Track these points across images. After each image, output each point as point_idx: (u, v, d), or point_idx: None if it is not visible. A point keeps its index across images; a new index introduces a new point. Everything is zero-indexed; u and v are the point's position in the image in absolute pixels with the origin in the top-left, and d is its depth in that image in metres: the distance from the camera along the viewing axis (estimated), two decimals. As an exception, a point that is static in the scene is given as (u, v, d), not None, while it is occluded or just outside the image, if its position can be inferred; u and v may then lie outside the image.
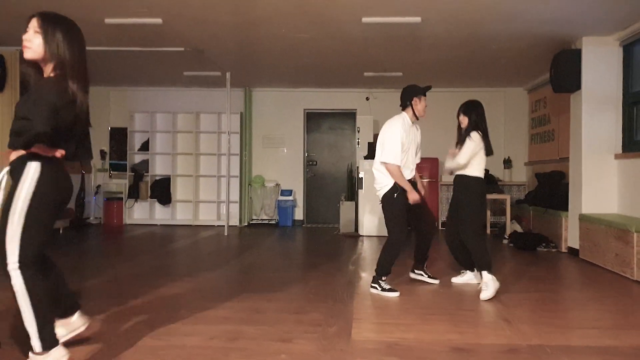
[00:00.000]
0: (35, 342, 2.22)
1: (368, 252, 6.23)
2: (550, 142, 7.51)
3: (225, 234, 7.72)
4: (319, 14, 5.03)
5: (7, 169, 2.31)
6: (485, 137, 4.20)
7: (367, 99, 9.01)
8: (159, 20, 5.25)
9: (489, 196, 7.23)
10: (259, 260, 5.58)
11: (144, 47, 6.27)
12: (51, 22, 2.32)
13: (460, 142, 4.22)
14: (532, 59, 6.72)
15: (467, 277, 4.42)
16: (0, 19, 5.29)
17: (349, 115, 9.25)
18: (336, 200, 9.11)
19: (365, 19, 5.11)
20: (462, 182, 4.21)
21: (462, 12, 4.92)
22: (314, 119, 9.34)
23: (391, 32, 5.52)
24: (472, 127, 4.19)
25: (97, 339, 2.83)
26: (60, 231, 7.69)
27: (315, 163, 9.37)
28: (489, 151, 4.19)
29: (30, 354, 2.25)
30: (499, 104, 8.79)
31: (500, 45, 6.02)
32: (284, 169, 9.25)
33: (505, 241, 6.99)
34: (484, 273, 3.94)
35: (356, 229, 7.91)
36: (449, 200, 4.88)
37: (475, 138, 4.13)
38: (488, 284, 3.89)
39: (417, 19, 5.08)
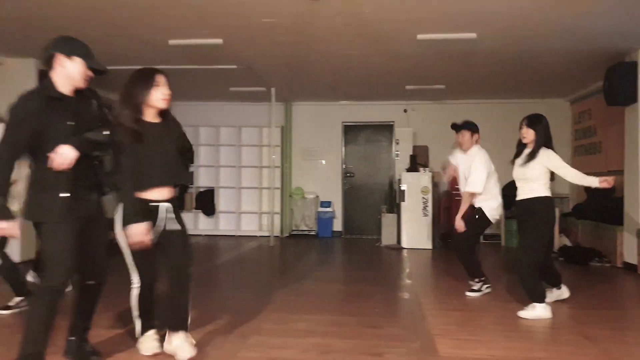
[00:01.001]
0: None
1: (417, 266, 6.28)
2: (597, 154, 7.48)
3: (271, 244, 7.84)
4: (376, 32, 5.14)
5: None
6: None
7: (405, 111, 9.08)
8: (219, 41, 5.42)
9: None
10: (315, 272, 5.66)
11: (199, 65, 6.45)
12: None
13: (528, 156, 3.94)
14: (580, 71, 6.74)
15: (555, 295, 4.18)
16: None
17: (386, 128, 9.33)
18: (373, 211, 9.18)
19: (420, 36, 5.21)
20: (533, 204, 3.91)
21: (518, 28, 4.99)
22: (351, 132, 9.45)
23: (443, 47, 5.61)
24: (544, 142, 3.93)
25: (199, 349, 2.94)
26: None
27: (352, 175, 9.46)
28: None
29: None
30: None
31: (551, 58, 6.07)
32: (322, 181, 9.36)
33: (553, 255, 6.96)
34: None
35: (398, 241, 7.95)
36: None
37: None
38: (537, 309, 3.76)
39: (473, 35, 5.16)
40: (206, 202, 9.23)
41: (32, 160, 2.49)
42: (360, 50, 5.74)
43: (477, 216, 4.42)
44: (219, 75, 7.03)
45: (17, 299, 3.85)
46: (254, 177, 9.31)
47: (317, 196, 9.26)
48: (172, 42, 5.47)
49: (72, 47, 2.53)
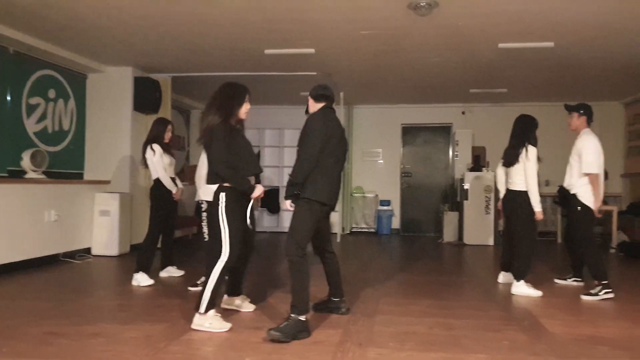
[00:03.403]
0: None
1: (488, 259, 6.67)
2: (655, 155, 7.75)
3: (338, 240, 8.32)
4: (462, 42, 5.56)
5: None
6: None
7: (463, 113, 9.46)
8: (312, 50, 5.91)
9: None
10: (396, 265, 6.11)
11: (283, 72, 6.95)
12: None
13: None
14: (639, 76, 7.01)
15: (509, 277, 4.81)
16: (156, 52, 6.16)
17: (444, 129, 9.72)
18: (430, 210, 9.60)
19: (501, 45, 5.60)
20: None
21: (595, 38, 5.35)
22: (409, 133, 9.86)
23: (520, 55, 5.99)
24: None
25: (337, 325, 3.40)
26: (190, 237, 8.48)
27: (410, 175, 9.87)
28: None
29: None
30: (594, 117, 9.03)
31: (616, 63, 6.38)
32: (381, 180, 9.80)
33: (612, 251, 7.27)
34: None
35: (459, 238, 8.33)
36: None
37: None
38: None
39: (550, 44, 5.53)
40: (271, 201, 9.76)
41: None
42: (441, 58, 6.16)
43: (579, 207, 4.45)
44: (295, 81, 7.52)
45: (204, 278, 4.41)
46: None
47: (377, 195, 9.70)
48: (267, 51, 5.97)
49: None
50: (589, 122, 4.64)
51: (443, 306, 4.06)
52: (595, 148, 4.41)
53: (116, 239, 6.52)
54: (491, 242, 7.96)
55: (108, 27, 5.23)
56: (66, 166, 6.62)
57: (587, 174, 4.38)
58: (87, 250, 6.52)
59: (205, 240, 4.47)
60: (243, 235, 3.43)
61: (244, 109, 3.47)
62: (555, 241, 8.49)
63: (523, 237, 4.54)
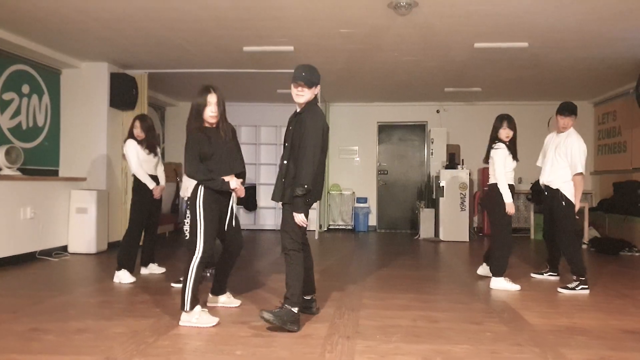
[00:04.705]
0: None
1: (464, 255, 6.82)
2: (622, 153, 8.06)
3: (316, 237, 8.36)
4: (437, 41, 5.67)
5: None
6: None
7: (438, 111, 9.63)
8: (290, 48, 5.93)
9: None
10: (376, 261, 6.20)
11: (260, 70, 6.94)
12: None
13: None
14: (610, 76, 7.29)
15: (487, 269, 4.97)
16: (132, 48, 6.08)
17: (419, 127, 9.88)
18: (406, 207, 9.75)
19: (477, 44, 5.74)
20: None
21: (567, 40, 5.54)
22: (385, 131, 9.99)
23: (495, 55, 6.14)
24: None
25: (325, 320, 3.45)
26: (167, 235, 8.38)
27: (386, 172, 10.00)
28: None
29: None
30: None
31: (588, 64, 6.62)
32: (357, 178, 9.90)
33: (584, 246, 7.53)
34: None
35: (436, 234, 8.49)
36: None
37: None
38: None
39: (525, 44, 5.70)
40: (248, 199, 9.73)
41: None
42: (417, 56, 6.27)
43: (563, 202, 4.61)
44: (271, 78, 7.52)
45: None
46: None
47: (354, 192, 9.79)
48: (246, 48, 5.97)
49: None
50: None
51: (425, 300, 4.15)
52: (584, 148, 4.60)
53: (93, 237, 6.42)
54: (466, 238, 8.14)
55: (83, 21, 5.13)
56: (41, 163, 6.48)
57: (576, 174, 4.54)
58: (64, 248, 6.40)
59: (187, 238, 4.47)
60: (217, 233, 3.41)
61: (207, 112, 3.32)
62: (528, 237, 8.73)
63: (497, 232, 4.67)
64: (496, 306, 4.01)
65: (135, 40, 5.79)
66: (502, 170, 4.56)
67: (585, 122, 9.24)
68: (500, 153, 4.59)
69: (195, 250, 3.26)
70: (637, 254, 6.82)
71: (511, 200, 4.56)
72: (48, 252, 6.05)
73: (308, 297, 3.57)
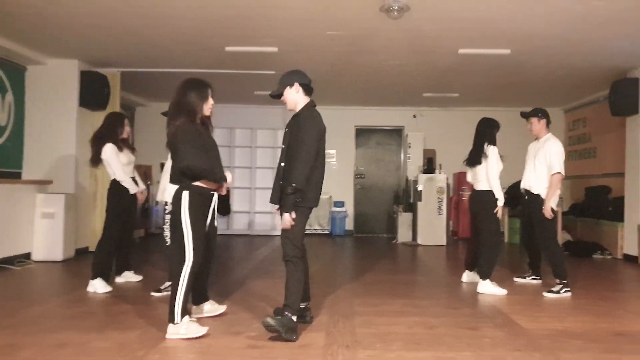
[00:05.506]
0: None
1: (443, 259, 6.82)
2: (592, 159, 8.27)
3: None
4: (423, 45, 5.66)
5: None
6: None
7: (414, 116, 9.66)
8: (275, 49, 5.79)
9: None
10: (358, 266, 6.11)
11: (241, 70, 6.77)
12: None
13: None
14: (583, 84, 7.47)
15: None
16: (105, 45, 5.82)
17: (396, 132, 9.90)
18: (382, 211, 9.74)
19: (461, 50, 5.76)
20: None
21: (548, 47, 5.62)
22: (362, 135, 9.96)
23: (477, 60, 6.18)
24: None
25: (320, 329, 3.32)
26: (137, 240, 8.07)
27: (363, 176, 9.96)
28: None
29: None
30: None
31: (564, 71, 6.75)
32: (334, 182, 9.79)
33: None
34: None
35: (414, 238, 8.48)
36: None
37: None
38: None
39: (507, 51, 5.76)
40: (221, 202, 9.46)
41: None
42: (402, 60, 6.24)
43: (541, 205, 4.60)
44: (251, 79, 7.36)
45: (168, 283, 4.18)
46: (268, 178, 9.63)
47: (331, 196, 9.70)
48: (228, 48, 5.80)
49: None
50: (548, 125, 4.82)
51: (416, 305, 4.09)
52: (561, 150, 4.67)
53: (60, 243, 6.08)
54: (444, 242, 8.16)
55: (51, 15, 4.83)
56: (2, 165, 6.10)
57: (554, 174, 4.56)
58: (27, 256, 6.03)
59: (167, 244, 4.27)
60: (205, 238, 3.28)
61: (208, 105, 3.27)
62: (502, 241, 8.83)
63: (489, 236, 4.66)
64: (487, 311, 3.98)
65: (109, 37, 5.53)
66: (497, 172, 4.60)
67: (555, 128, 9.32)
68: (496, 154, 4.64)
69: (185, 259, 3.09)
70: (608, 257, 6.99)
71: (502, 203, 4.61)
72: (9, 260, 5.68)
73: (303, 305, 3.43)
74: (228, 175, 3.35)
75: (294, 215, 3.11)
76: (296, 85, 3.26)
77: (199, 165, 3.09)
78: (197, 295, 3.58)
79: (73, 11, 4.73)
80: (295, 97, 3.26)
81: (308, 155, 3.09)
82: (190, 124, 3.17)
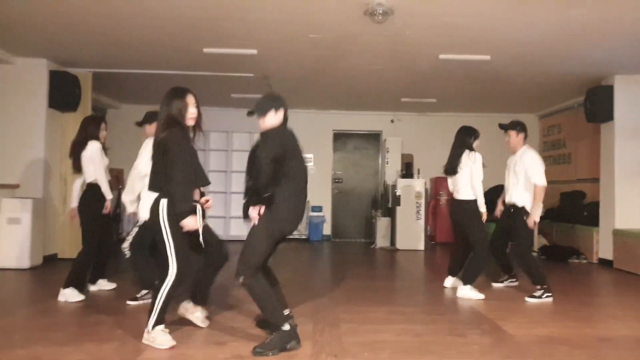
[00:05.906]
0: None
1: (423, 264, 6.80)
2: (567, 165, 8.41)
3: (271, 248, 8.08)
4: (404, 50, 5.63)
5: None
6: None
7: (392, 121, 9.67)
8: (254, 51, 5.68)
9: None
10: (339, 272, 6.02)
11: (218, 72, 6.62)
12: None
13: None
14: (559, 91, 7.58)
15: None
16: (76, 44, 5.61)
17: (374, 136, 9.88)
18: (360, 215, 9.69)
19: (442, 56, 5.76)
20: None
21: (527, 54, 5.67)
22: (340, 139, 9.90)
23: (457, 66, 6.20)
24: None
25: (307, 337, 3.22)
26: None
27: (341, 180, 9.90)
28: None
29: None
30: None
31: (542, 78, 6.83)
32: (312, 186, 9.59)
33: (534, 254, 7.73)
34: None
35: (392, 243, 8.45)
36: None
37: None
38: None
39: (487, 57, 5.78)
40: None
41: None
42: (383, 65, 6.21)
43: (525, 217, 4.66)
44: (228, 82, 7.21)
45: (144, 291, 4.05)
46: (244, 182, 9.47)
47: (308, 201, 9.59)
48: (207, 50, 5.65)
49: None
50: (525, 139, 4.89)
51: (401, 312, 4.02)
52: (542, 163, 4.69)
53: (27, 250, 5.80)
54: (421, 247, 8.15)
55: (18, 12, 4.60)
56: (-34, 167, 5.80)
57: (537, 186, 4.57)
58: (-9, 263, 5.73)
59: (127, 257, 4.11)
60: (189, 248, 3.15)
61: (189, 115, 3.11)
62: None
63: (479, 248, 4.64)
64: (473, 317, 3.95)
65: (80, 37, 5.31)
66: (480, 180, 4.60)
67: (530, 134, 9.45)
68: (480, 161, 4.63)
69: (168, 270, 2.97)
70: (584, 261, 7.09)
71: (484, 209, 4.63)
72: (-26, 268, 5.39)
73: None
74: (192, 221, 3.06)
75: (262, 211, 3.00)
76: (281, 113, 3.24)
77: (187, 204, 3.00)
78: (199, 296, 3.52)
79: (42, 9, 4.53)
80: (273, 123, 3.21)
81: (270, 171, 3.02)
82: (185, 140, 3.06)
